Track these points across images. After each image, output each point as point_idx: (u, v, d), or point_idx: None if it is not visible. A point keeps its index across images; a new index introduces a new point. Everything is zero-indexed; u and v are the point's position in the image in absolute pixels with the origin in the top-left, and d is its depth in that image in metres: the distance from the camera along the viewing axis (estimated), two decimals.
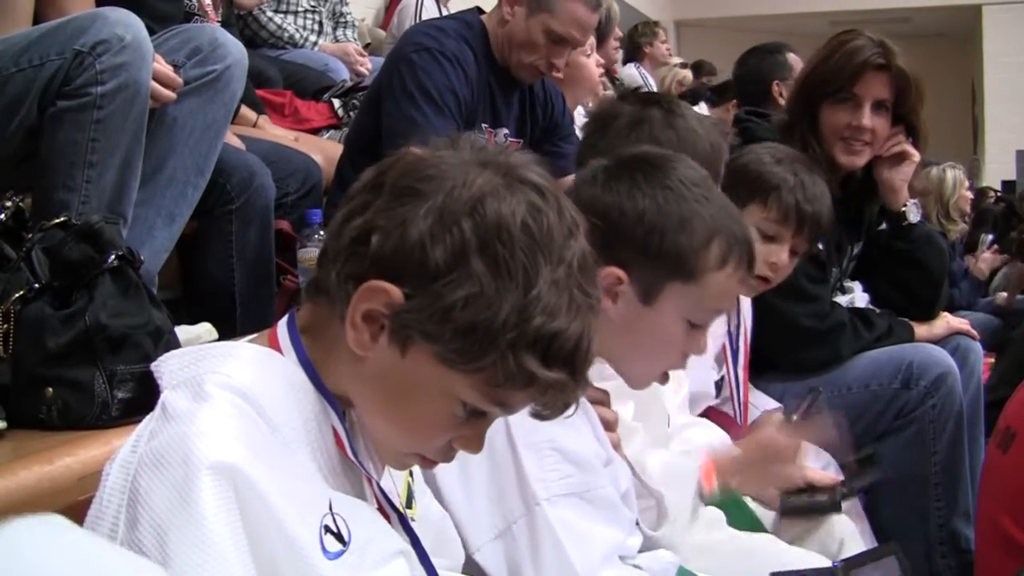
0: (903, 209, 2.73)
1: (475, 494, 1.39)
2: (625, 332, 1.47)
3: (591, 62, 3.72)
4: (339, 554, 0.98)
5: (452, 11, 4.56)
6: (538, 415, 1.05)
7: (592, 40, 3.80)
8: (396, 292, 0.97)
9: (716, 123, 2.20)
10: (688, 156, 1.75)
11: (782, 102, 4.03)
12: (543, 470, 1.39)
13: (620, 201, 1.46)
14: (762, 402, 2.42)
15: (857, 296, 2.82)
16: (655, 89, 6.32)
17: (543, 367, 0.97)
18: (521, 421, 1.08)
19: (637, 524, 1.62)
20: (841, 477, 1.99)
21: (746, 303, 2.33)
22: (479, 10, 2.88)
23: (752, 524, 1.92)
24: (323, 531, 0.97)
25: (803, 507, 1.84)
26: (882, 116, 2.60)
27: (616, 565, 1.45)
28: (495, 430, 1.15)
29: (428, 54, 2.63)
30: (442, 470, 1.30)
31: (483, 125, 2.75)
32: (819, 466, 2.35)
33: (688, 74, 7.05)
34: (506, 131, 2.81)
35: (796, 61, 4.24)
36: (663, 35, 6.87)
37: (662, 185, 1.47)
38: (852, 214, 2.72)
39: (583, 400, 1.36)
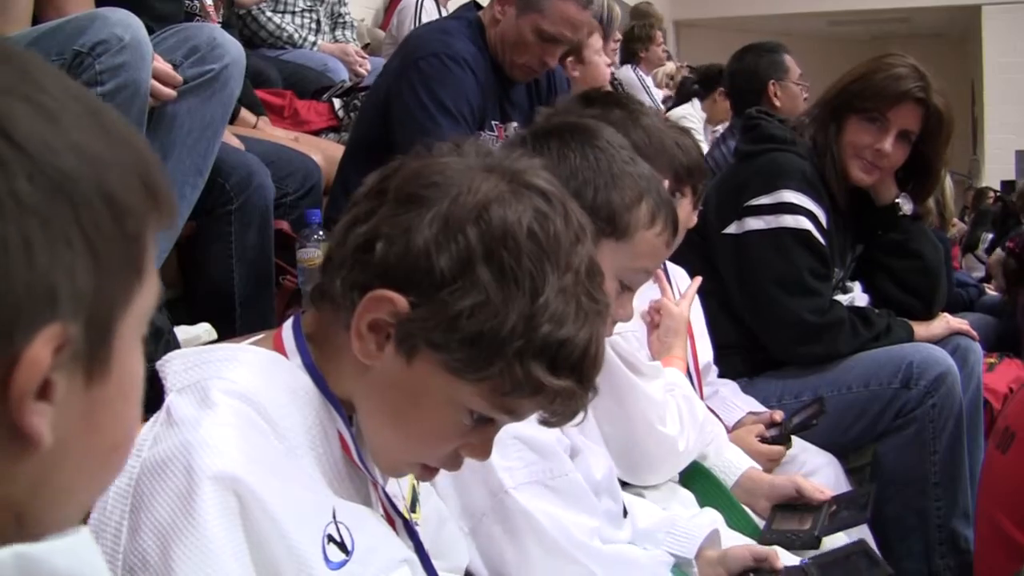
0: (897, 200, 2.73)
1: (446, 493, 1.39)
2: None
3: (601, 61, 3.76)
4: (342, 564, 0.97)
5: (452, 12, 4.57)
6: (546, 422, 1.05)
7: (599, 41, 3.85)
8: (402, 301, 0.96)
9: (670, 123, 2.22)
10: (660, 153, 1.77)
11: (777, 102, 4.06)
12: (507, 459, 1.40)
13: (551, 161, 1.44)
14: (747, 403, 2.43)
15: (857, 296, 2.82)
16: (653, 91, 6.33)
17: (551, 375, 0.96)
18: None
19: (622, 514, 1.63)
20: (832, 493, 1.98)
21: (683, 278, 2.33)
22: (476, 5, 2.87)
23: (752, 529, 1.92)
24: (326, 540, 0.96)
25: (782, 542, 1.84)
26: (904, 145, 2.61)
27: (597, 540, 1.45)
28: None
29: (437, 59, 2.61)
30: None
31: (494, 123, 2.74)
32: (820, 463, 2.36)
33: (672, 66, 7.10)
34: (515, 124, 2.80)
35: (791, 63, 4.25)
36: (660, 38, 6.85)
37: (592, 145, 1.48)
38: (856, 216, 2.74)
39: None
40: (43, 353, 0.54)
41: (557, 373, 0.96)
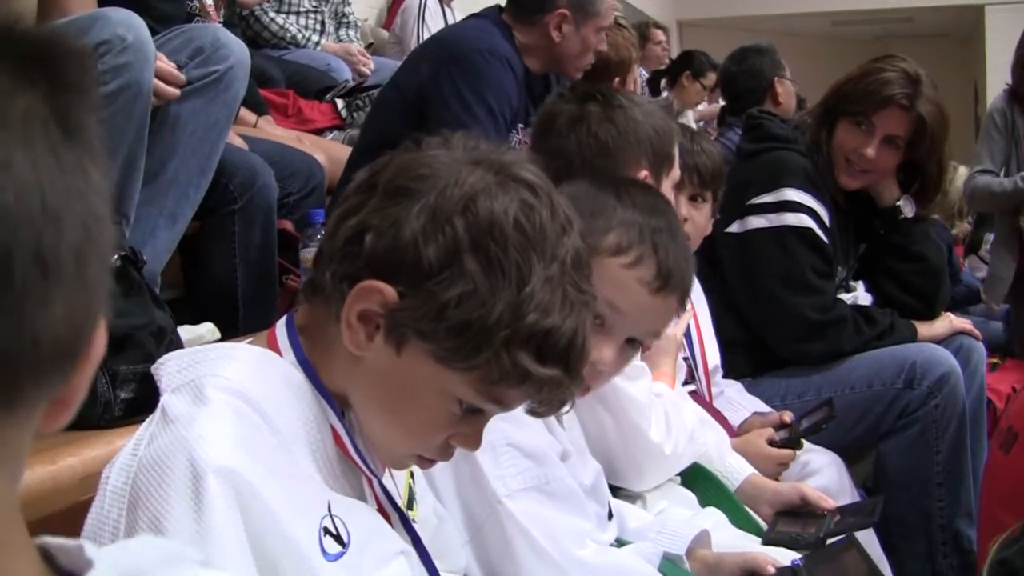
0: (898, 203, 2.73)
1: (444, 500, 1.40)
2: None
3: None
4: (339, 556, 0.98)
5: (456, 12, 4.55)
6: (534, 412, 1.07)
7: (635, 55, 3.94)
8: (391, 292, 0.98)
9: (661, 105, 2.21)
10: (632, 146, 1.76)
11: (781, 100, 4.09)
12: (501, 467, 1.40)
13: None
14: (752, 403, 2.43)
15: (860, 295, 2.82)
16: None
17: (538, 364, 0.98)
18: None
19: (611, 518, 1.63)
20: (835, 504, 1.98)
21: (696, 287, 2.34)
22: (499, 8, 2.88)
23: (756, 529, 1.92)
24: (322, 533, 0.97)
25: (786, 542, 1.84)
26: (891, 150, 2.61)
27: (591, 545, 1.46)
28: None
29: (480, 56, 2.61)
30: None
31: (519, 125, 2.75)
32: (823, 463, 2.35)
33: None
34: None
35: (783, 61, 4.32)
36: (658, 36, 6.84)
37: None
38: (859, 215, 2.74)
39: None
40: None
41: (544, 362, 0.98)
